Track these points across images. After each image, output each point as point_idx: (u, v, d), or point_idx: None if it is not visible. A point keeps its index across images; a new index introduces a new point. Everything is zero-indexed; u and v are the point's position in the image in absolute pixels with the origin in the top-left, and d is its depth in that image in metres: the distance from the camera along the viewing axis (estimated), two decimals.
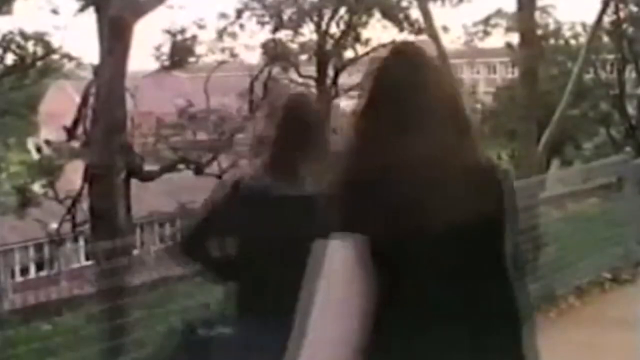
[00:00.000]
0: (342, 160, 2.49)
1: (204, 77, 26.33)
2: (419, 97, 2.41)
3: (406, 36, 27.75)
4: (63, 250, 26.47)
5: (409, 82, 2.43)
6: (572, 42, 30.09)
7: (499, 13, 30.39)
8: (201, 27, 26.14)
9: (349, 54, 28.75)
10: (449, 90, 2.48)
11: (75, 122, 18.08)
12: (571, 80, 12.88)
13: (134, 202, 16.20)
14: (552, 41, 30.11)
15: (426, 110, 2.41)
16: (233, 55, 27.53)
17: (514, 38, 23.92)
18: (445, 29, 25.72)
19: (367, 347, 2.34)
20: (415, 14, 25.96)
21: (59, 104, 29.08)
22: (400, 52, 2.52)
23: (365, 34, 28.19)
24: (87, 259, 23.05)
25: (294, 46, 27.67)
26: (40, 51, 23.62)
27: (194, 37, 25.91)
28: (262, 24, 27.16)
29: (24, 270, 30.68)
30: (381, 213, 2.35)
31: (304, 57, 28.07)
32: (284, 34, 27.45)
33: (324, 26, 27.76)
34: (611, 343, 6.59)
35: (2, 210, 23.10)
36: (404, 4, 27.00)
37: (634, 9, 27.15)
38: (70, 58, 24.48)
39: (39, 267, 30.29)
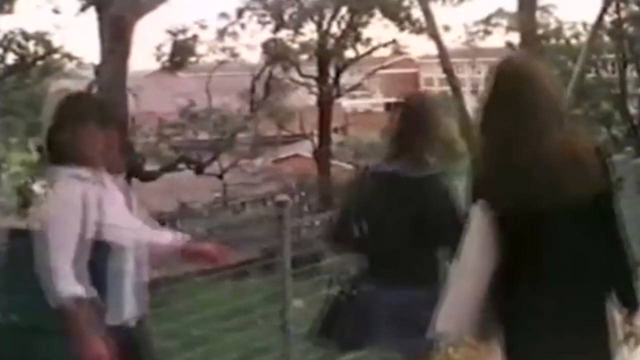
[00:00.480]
0: (482, 153, 3.15)
1: (205, 77, 26.35)
2: (536, 97, 3.05)
3: (406, 36, 27.81)
4: None
5: (529, 85, 3.08)
6: (573, 41, 30.00)
7: (499, 12, 30.32)
8: (202, 26, 26.20)
9: (350, 53, 28.81)
10: (553, 89, 3.12)
11: None
12: (572, 80, 12.89)
13: None
14: (552, 41, 30.04)
15: (541, 107, 3.04)
16: (234, 54, 27.53)
17: (515, 38, 23.97)
18: (446, 28, 25.77)
19: (498, 301, 3.00)
20: (416, 13, 25.98)
21: None
22: (515, 62, 3.25)
23: (366, 33, 28.24)
24: None
25: (295, 46, 27.65)
26: (41, 51, 23.62)
27: (195, 37, 25.95)
28: (263, 23, 27.18)
29: None
30: (516, 188, 2.99)
31: (304, 56, 28.05)
32: (284, 34, 27.46)
33: (324, 25, 27.73)
34: None
35: (2, 211, 23.07)
36: (405, 3, 27.00)
37: (635, 8, 27.10)
38: (71, 57, 24.46)
39: None
